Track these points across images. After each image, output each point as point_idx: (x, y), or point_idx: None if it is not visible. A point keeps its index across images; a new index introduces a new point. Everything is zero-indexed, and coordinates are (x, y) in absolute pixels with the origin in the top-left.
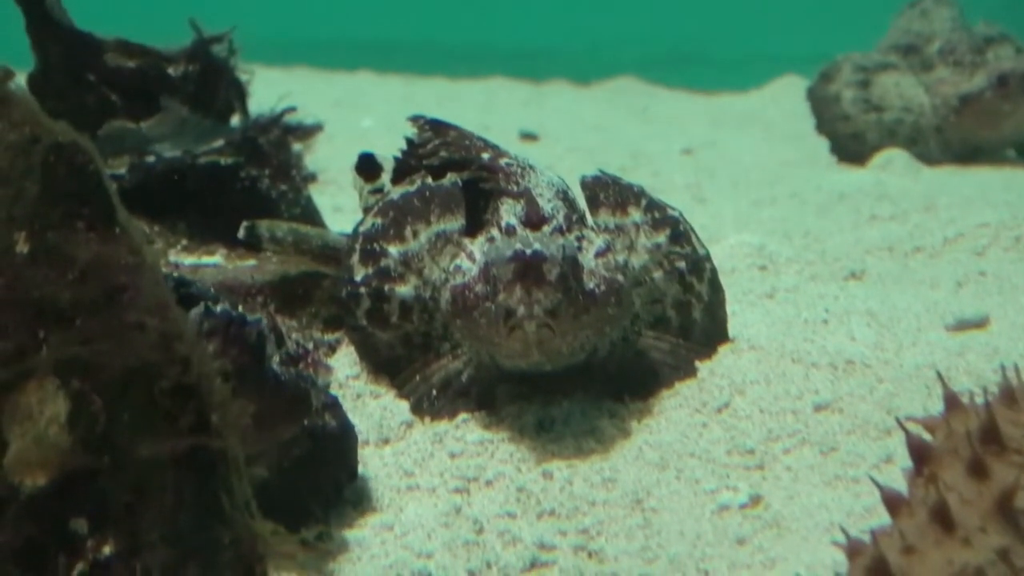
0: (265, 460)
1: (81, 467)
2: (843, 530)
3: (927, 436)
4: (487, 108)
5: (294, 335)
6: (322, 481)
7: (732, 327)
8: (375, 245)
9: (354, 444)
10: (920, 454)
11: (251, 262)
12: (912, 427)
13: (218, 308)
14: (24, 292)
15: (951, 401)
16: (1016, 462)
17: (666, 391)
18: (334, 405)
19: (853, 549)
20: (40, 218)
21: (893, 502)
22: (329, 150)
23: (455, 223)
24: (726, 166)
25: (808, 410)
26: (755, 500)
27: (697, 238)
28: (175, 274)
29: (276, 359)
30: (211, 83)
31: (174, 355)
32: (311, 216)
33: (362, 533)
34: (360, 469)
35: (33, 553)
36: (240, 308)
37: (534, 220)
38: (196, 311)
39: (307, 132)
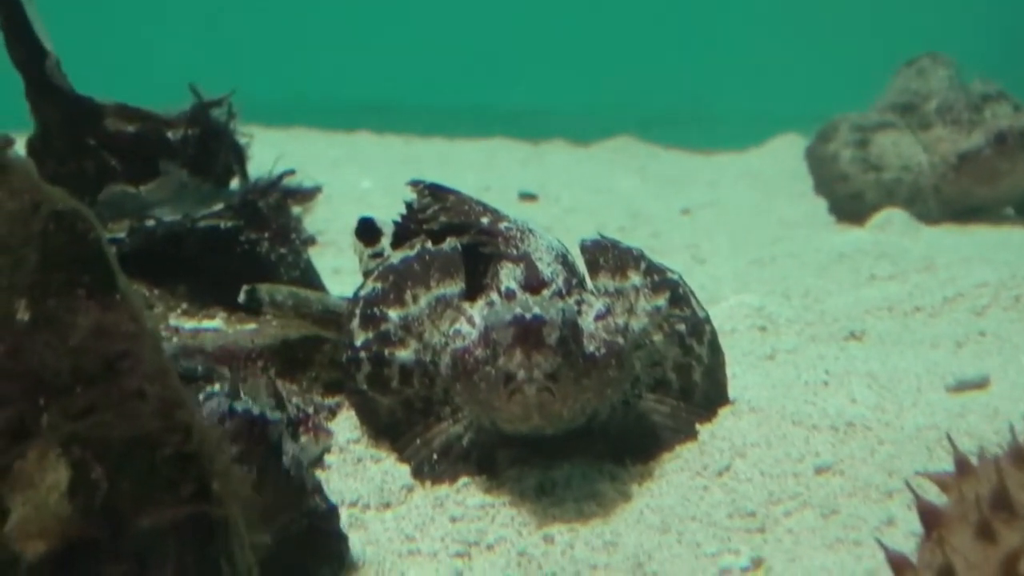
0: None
1: (82, 536)
2: None
3: (937, 491)
4: (487, 168)
5: (295, 399)
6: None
7: (732, 389)
8: (375, 309)
9: (338, 524)
10: (930, 518)
11: (251, 326)
12: (921, 484)
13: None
14: (25, 360)
15: (962, 465)
16: None
17: (667, 454)
18: (319, 487)
19: None
20: (40, 286)
21: (899, 565)
22: (328, 211)
23: (455, 287)
24: (725, 226)
25: (809, 472)
26: (757, 563)
27: (696, 301)
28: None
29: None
30: (211, 147)
31: (175, 422)
32: (310, 279)
33: None
34: (362, 533)
35: None
36: (233, 377)
37: (534, 284)
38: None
39: (306, 195)
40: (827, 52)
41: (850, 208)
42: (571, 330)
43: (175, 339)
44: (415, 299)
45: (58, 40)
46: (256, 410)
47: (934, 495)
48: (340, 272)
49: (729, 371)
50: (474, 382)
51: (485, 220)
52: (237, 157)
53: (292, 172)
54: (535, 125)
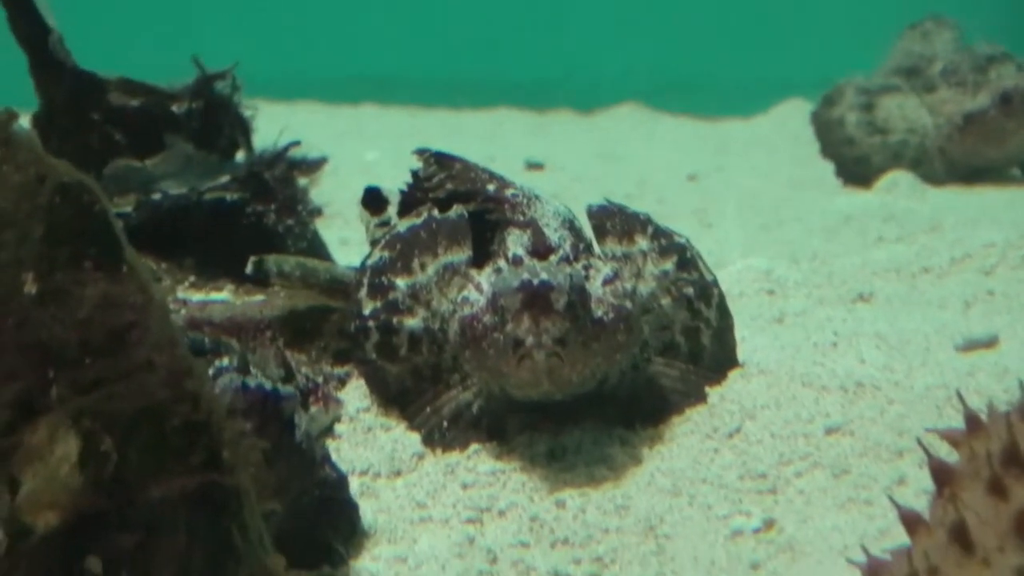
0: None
1: (93, 507)
2: (864, 550)
3: (948, 449)
4: (492, 139)
5: (304, 369)
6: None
7: (741, 352)
8: (383, 278)
9: (349, 493)
10: (941, 475)
11: (259, 297)
12: (932, 442)
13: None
14: (33, 333)
15: (972, 422)
16: None
17: (677, 417)
18: (328, 457)
19: (873, 569)
20: (47, 259)
21: (911, 522)
22: (334, 183)
23: (462, 255)
24: (732, 191)
25: (819, 433)
26: (768, 524)
27: (704, 264)
28: None
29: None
30: (215, 120)
31: (183, 392)
32: (318, 250)
33: (376, 566)
34: (373, 502)
35: None
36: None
37: (541, 250)
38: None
39: (312, 166)
40: (831, 17)
41: (856, 171)
42: (579, 295)
43: (183, 311)
44: (422, 267)
45: (61, 16)
46: (268, 385)
47: (945, 453)
48: (347, 243)
49: (738, 334)
50: (483, 349)
51: (491, 187)
52: (242, 129)
53: (297, 143)
54: (540, 95)
